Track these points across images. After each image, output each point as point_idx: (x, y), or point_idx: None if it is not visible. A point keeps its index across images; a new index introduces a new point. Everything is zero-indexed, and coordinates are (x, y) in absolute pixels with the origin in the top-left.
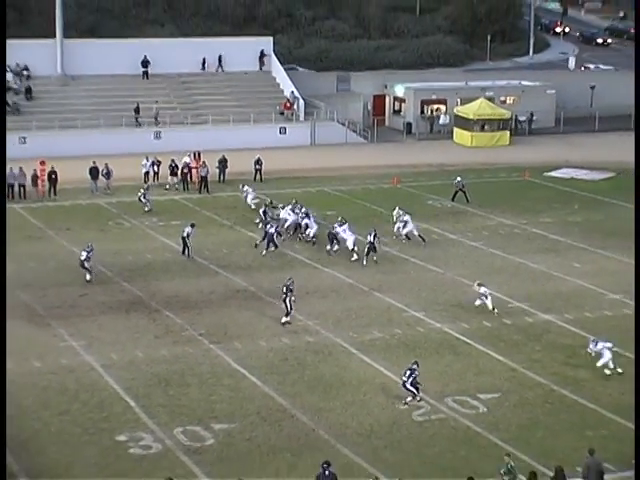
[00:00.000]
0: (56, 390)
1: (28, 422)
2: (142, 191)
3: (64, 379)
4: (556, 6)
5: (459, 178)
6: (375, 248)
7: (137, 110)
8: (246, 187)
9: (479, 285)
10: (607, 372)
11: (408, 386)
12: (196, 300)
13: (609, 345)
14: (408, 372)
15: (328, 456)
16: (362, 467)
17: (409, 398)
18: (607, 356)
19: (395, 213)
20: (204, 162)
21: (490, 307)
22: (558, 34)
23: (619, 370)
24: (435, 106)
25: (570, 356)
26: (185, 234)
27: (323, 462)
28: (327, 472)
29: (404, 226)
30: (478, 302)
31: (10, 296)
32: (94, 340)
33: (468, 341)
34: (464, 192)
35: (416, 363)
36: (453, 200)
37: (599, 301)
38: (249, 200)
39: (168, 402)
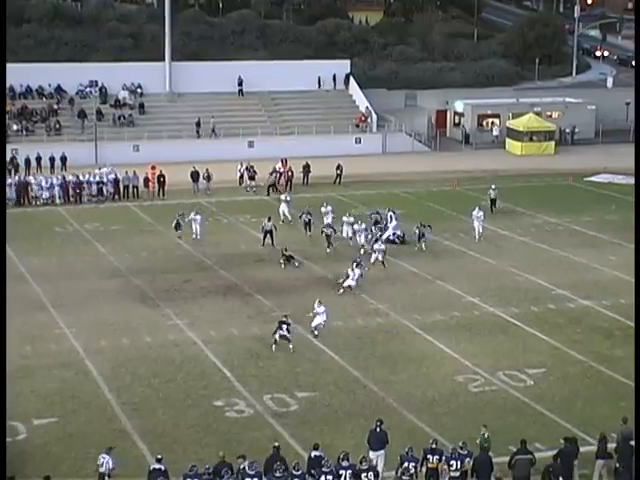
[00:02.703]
0: (164, 361)
1: (140, 388)
2: (177, 216)
3: (170, 352)
4: (596, 33)
5: (493, 186)
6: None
7: (198, 124)
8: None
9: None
10: None
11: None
12: (283, 286)
13: None
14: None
15: (395, 421)
16: (425, 431)
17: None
18: None
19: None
20: (290, 167)
21: None
22: (598, 57)
23: None
24: (490, 120)
25: (607, 337)
26: (269, 228)
27: (377, 419)
28: (379, 429)
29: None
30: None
31: (126, 281)
32: (196, 319)
33: (517, 323)
34: (493, 202)
35: (286, 317)
36: (492, 211)
37: (632, 289)
38: (284, 210)
39: (258, 373)
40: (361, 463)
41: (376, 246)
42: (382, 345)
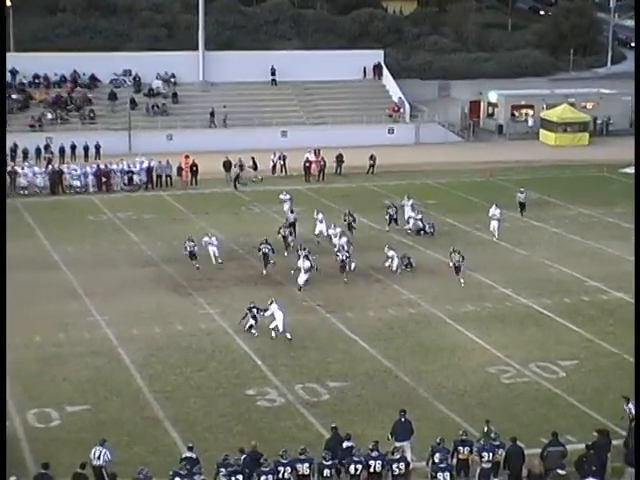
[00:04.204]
0: (195, 350)
1: (172, 377)
2: (186, 242)
3: (202, 341)
4: (632, 23)
5: (521, 189)
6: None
7: (212, 114)
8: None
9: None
10: None
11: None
12: (315, 275)
13: None
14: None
15: (426, 412)
16: (455, 422)
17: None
18: None
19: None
20: (323, 157)
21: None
22: (633, 48)
23: None
24: (524, 110)
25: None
26: (292, 219)
27: (400, 410)
28: (403, 419)
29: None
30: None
31: (158, 270)
32: (228, 308)
33: (549, 314)
34: (522, 205)
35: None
36: (522, 215)
37: None
38: (285, 208)
39: (290, 362)
40: (392, 453)
41: (390, 253)
42: (413, 335)
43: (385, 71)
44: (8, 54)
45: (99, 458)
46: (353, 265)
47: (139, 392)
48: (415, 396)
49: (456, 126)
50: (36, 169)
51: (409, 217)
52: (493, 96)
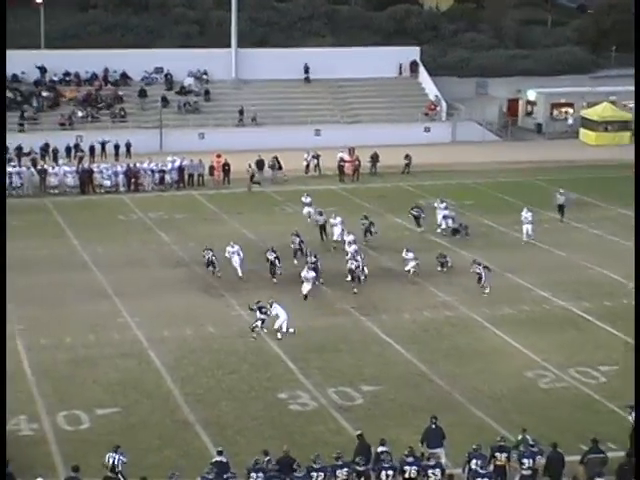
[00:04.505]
0: (227, 352)
1: (204, 379)
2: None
3: (234, 343)
4: None
5: (561, 190)
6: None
7: (241, 112)
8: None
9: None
10: None
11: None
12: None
13: None
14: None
15: (462, 417)
16: (492, 427)
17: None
18: None
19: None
20: (357, 156)
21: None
22: None
23: None
24: (563, 109)
25: None
26: (322, 222)
27: (432, 416)
28: (435, 426)
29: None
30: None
31: (189, 270)
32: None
33: (589, 318)
34: (561, 208)
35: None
36: (562, 221)
37: None
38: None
39: (323, 365)
40: (428, 459)
41: (407, 256)
42: (449, 339)
43: (421, 68)
44: (38, 51)
45: (114, 466)
46: (364, 274)
47: (169, 395)
48: (450, 400)
49: (494, 125)
50: (66, 168)
51: (443, 217)
52: (532, 94)
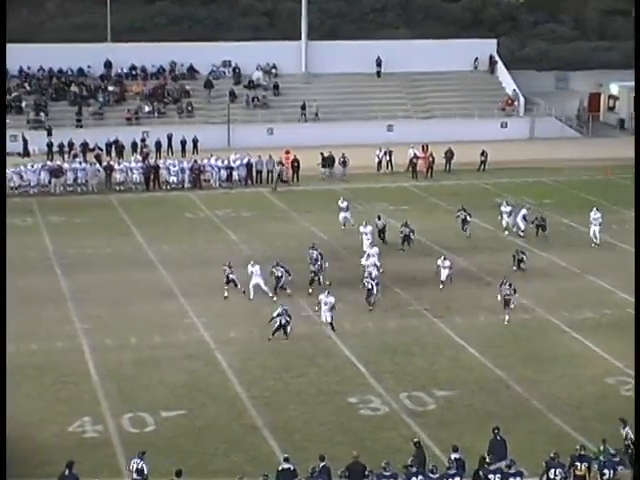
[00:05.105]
0: (295, 355)
1: (271, 382)
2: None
3: (303, 345)
4: None
5: None
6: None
7: (303, 107)
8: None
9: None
10: None
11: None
12: (422, 278)
13: None
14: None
15: (540, 424)
16: (571, 436)
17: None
18: None
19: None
20: (431, 153)
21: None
22: None
23: None
24: None
25: None
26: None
27: (494, 428)
28: (498, 437)
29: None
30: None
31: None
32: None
33: None
34: None
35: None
36: None
37: None
38: (346, 216)
39: (395, 369)
40: (509, 467)
41: (443, 264)
42: (526, 343)
43: (499, 62)
44: (104, 44)
45: (142, 472)
46: (378, 294)
47: (236, 398)
48: (528, 407)
49: (574, 120)
50: (132, 164)
51: (523, 217)
52: (614, 88)
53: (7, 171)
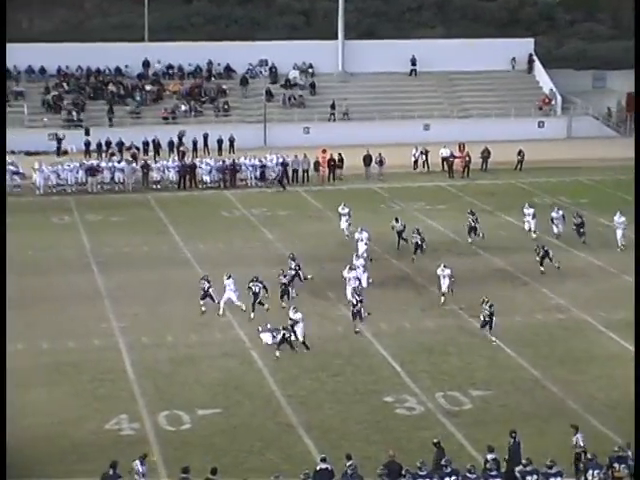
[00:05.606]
0: (331, 354)
1: (307, 381)
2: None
3: (339, 345)
4: None
5: None
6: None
7: (333, 106)
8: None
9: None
10: None
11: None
12: (458, 277)
13: None
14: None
15: (576, 424)
16: (608, 437)
17: None
18: None
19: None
20: (467, 152)
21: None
22: None
23: None
24: None
25: None
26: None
27: (511, 431)
28: (515, 440)
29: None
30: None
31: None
32: (366, 310)
33: None
34: None
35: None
36: None
37: None
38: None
39: (430, 369)
40: (550, 468)
41: (442, 272)
42: (563, 343)
43: (536, 61)
44: (142, 44)
45: (143, 475)
46: (364, 313)
47: (272, 396)
48: (564, 408)
49: (612, 119)
50: (169, 163)
51: (551, 219)
52: None
53: (45, 170)
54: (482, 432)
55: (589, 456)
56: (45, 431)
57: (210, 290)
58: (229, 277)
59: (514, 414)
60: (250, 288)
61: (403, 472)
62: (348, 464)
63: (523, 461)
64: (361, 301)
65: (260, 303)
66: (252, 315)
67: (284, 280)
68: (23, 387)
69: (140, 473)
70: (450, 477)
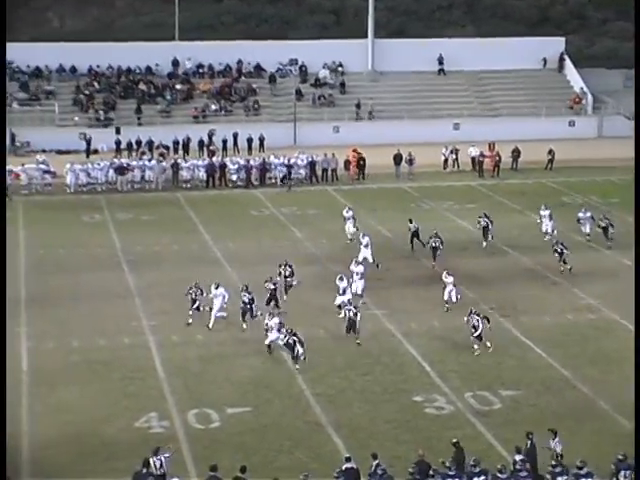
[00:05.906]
0: (361, 353)
1: (336, 380)
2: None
3: (368, 343)
4: None
5: None
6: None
7: (358, 106)
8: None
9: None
10: None
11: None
12: (487, 277)
13: None
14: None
15: (607, 425)
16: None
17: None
18: None
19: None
20: (498, 151)
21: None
22: None
23: None
24: None
25: None
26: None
27: (527, 433)
28: (532, 442)
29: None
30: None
31: (322, 268)
32: (395, 310)
33: None
34: None
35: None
36: None
37: None
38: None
39: (460, 368)
40: (580, 469)
41: (446, 279)
42: (593, 343)
43: (567, 60)
44: (172, 43)
45: (159, 467)
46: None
47: (301, 395)
48: (594, 408)
49: None
50: (199, 162)
51: (578, 220)
52: None
53: (75, 168)
54: (512, 432)
55: (620, 457)
56: (75, 429)
57: (198, 297)
58: (217, 287)
59: (544, 414)
60: (241, 297)
61: (431, 472)
62: (375, 463)
63: (578, 463)
64: (355, 314)
65: (253, 316)
66: (244, 326)
67: (272, 287)
68: (54, 385)
69: (158, 467)
70: (479, 477)
